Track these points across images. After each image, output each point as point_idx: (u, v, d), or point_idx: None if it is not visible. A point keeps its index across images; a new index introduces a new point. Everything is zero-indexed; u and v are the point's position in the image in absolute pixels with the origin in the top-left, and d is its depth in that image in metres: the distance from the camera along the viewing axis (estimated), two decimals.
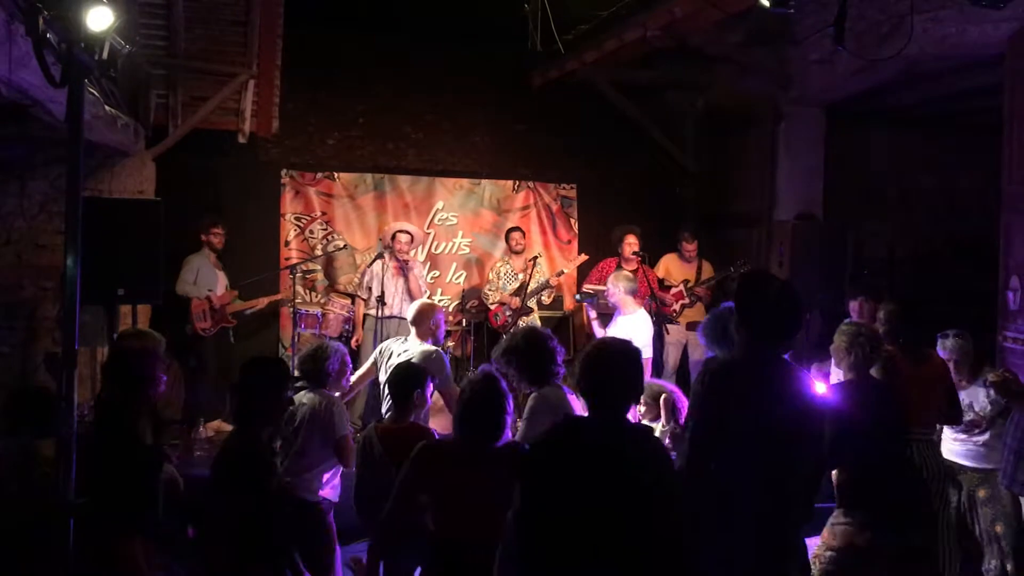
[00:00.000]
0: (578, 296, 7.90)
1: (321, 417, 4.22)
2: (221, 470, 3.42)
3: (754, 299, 3.04)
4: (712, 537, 2.84)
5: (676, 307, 8.07)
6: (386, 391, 4.75)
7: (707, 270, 8.26)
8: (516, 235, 8.54)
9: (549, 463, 2.77)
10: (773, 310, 2.98)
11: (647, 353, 5.93)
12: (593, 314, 7.23)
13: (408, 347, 5.31)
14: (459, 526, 3.18)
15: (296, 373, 4.44)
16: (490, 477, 3.14)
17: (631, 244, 8.00)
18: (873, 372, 4.30)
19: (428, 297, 8.75)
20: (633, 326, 6.16)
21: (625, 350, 2.93)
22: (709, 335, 3.80)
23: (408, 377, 4.13)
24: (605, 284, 7.93)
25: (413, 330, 5.32)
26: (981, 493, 4.78)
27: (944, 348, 4.82)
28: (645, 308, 7.58)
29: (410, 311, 5.48)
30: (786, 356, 3.07)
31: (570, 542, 2.67)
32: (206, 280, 7.47)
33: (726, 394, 2.92)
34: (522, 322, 7.66)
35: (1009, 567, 4.69)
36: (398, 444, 3.83)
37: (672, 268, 8.37)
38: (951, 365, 4.78)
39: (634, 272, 7.95)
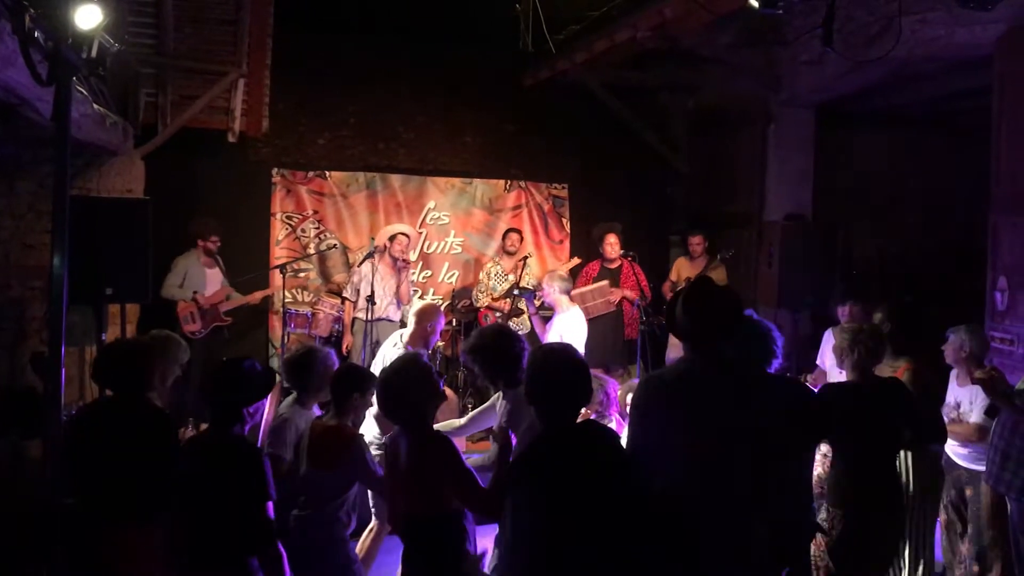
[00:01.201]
0: (516, 291, 7.88)
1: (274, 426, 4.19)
2: (206, 468, 3.38)
3: (672, 307, 3.05)
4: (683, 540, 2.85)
5: None
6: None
7: (719, 272, 8.20)
8: (513, 236, 8.52)
9: (528, 476, 2.84)
10: (686, 314, 2.97)
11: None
12: (532, 309, 7.23)
13: (398, 342, 5.29)
14: (410, 504, 3.38)
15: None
16: (422, 462, 3.33)
17: (612, 244, 8.00)
18: (904, 378, 4.33)
19: (419, 297, 8.75)
20: (567, 325, 6.14)
21: (569, 356, 2.98)
22: None
23: (348, 378, 4.03)
24: (590, 285, 7.97)
25: (409, 328, 5.29)
26: (968, 492, 4.80)
27: (952, 339, 4.83)
28: (635, 303, 7.61)
29: (413, 307, 5.44)
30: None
31: (557, 549, 2.74)
32: (194, 282, 7.46)
33: (654, 404, 2.93)
34: (512, 324, 7.66)
35: (975, 568, 4.72)
36: (321, 442, 3.88)
37: (683, 270, 8.37)
38: (954, 358, 4.80)
39: (618, 270, 7.97)
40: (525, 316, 8.14)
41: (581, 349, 5.94)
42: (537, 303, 7.39)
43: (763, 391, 3.02)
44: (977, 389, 4.69)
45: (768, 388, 3.11)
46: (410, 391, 3.43)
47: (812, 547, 3.93)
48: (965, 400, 4.79)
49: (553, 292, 6.35)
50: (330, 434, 3.89)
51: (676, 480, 2.83)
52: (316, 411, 4.27)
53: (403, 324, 7.96)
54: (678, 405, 2.88)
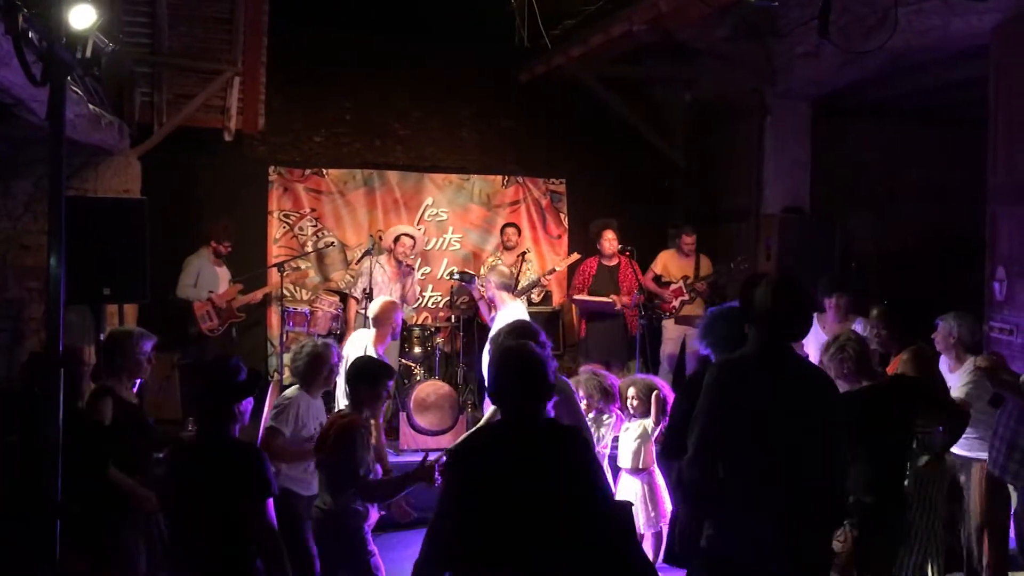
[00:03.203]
0: (456, 276, 7.88)
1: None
2: (193, 470, 3.38)
3: (765, 298, 3.05)
4: (734, 531, 2.88)
5: (675, 303, 8.05)
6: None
7: (705, 265, 8.21)
8: (511, 231, 8.51)
9: (470, 468, 2.81)
10: (784, 308, 3.01)
11: None
12: (476, 294, 7.43)
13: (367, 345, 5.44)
14: None
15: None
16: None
17: (609, 240, 7.99)
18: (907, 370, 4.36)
19: (420, 294, 8.74)
20: (507, 320, 6.17)
21: (528, 352, 2.94)
22: (716, 334, 3.73)
23: (355, 371, 4.20)
24: (589, 284, 7.97)
25: (373, 331, 5.40)
26: (961, 479, 4.81)
27: (942, 326, 4.84)
28: (633, 303, 7.62)
29: (372, 308, 5.58)
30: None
31: (492, 544, 2.71)
32: (208, 281, 7.51)
33: (739, 390, 2.95)
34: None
35: (981, 556, 4.72)
36: (327, 429, 4.05)
37: (670, 264, 8.33)
38: (944, 345, 4.81)
39: (617, 267, 7.97)
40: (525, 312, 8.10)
41: None
42: (478, 294, 7.47)
43: (822, 379, 3.14)
44: (961, 374, 4.72)
45: (823, 375, 3.19)
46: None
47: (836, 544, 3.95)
48: (956, 386, 4.80)
49: (490, 287, 6.33)
50: (333, 420, 4.07)
51: (746, 463, 2.88)
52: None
53: (404, 323, 7.97)
54: (756, 390, 2.93)
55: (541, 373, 2.85)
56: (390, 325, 5.43)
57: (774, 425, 2.90)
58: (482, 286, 7.04)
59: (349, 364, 4.41)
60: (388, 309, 5.46)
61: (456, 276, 7.90)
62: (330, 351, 4.46)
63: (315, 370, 4.40)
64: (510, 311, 6.20)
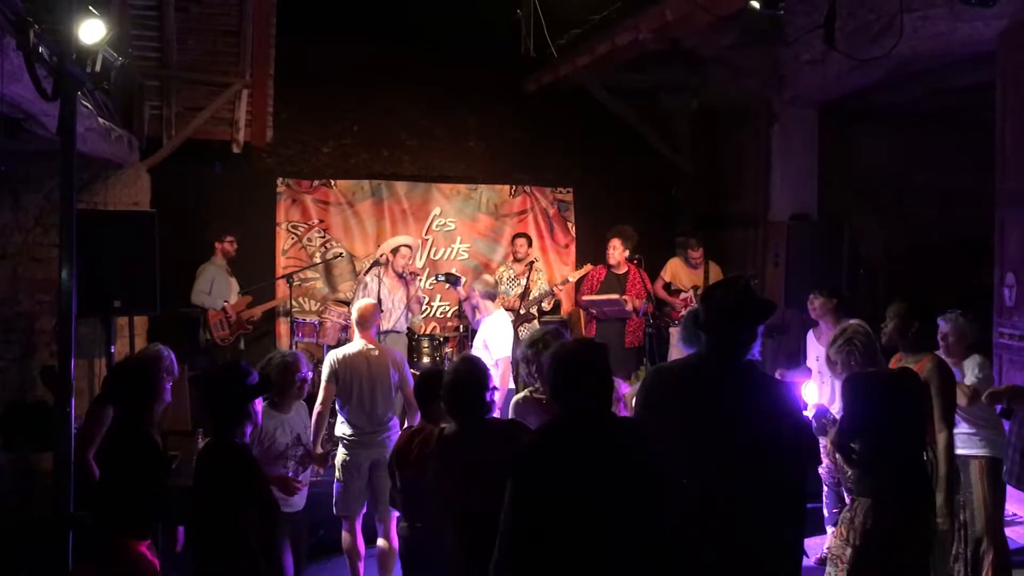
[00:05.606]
0: (442, 278, 7.92)
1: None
2: (209, 480, 3.41)
3: (706, 304, 3.08)
4: (688, 537, 2.85)
5: (683, 312, 8.05)
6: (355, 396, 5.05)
7: (715, 273, 8.20)
8: (521, 242, 8.45)
9: (542, 462, 2.81)
10: (722, 315, 3.00)
11: (505, 353, 6.05)
12: (462, 294, 7.56)
13: (357, 344, 5.39)
14: (470, 497, 3.34)
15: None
16: (488, 452, 3.33)
17: (614, 248, 7.95)
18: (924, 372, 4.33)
19: (427, 303, 8.74)
20: (491, 328, 6.22)
21: (591, 347, 2.97)
22: (683, 336, 3.87)
23: (432, 383, 4.00)
24: (597, 292, 7.97)
25: (359, 331, 5.35)
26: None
27: (945, 324, 4.82)
28: (642, 310, 7.61)
29: (353, 314, 5.54)
30: (756, 359, 3.09)
31: (565, 538, 2.70)
32: (221, 289, 7.60)
33: (665, 396, 2.95)
34: (522, 329, 7.65)
35: (968, 552, 4.69)
36: (405, 446, 3.99)
37: (680, 273, 8.31)
38: (944, 343, 4.79)
39: (625, 275, 7.96)
40: (536, 322, 8.11)
41: (507, 351, 6.09)
42: (463, 295, 7.61)
43: (773, 385, 3.08)
44: (962, 369, 4.69)
45: (775, 387, 3.12)
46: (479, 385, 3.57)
47: (830, 539, 3.91)
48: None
49: (474, 295, 6.47)
50: (411, 436, 3.96)
51: (682, 469, 2.85)
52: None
53: (411, 332, 7.98)
54: (688, 396, 2.91)
55: (606, 368, 2.89)
56: (374, 326, 5.44)
57: (708, 430, 2.87)
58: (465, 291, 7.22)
59: (420, 375, 4.30)
60: (369, 311, 5.44)
61: (442, 279, 7.92)
62: (298, 361, 4.42)
63: (285, 382, 4.35)
64: (495, 318, 6.32)
